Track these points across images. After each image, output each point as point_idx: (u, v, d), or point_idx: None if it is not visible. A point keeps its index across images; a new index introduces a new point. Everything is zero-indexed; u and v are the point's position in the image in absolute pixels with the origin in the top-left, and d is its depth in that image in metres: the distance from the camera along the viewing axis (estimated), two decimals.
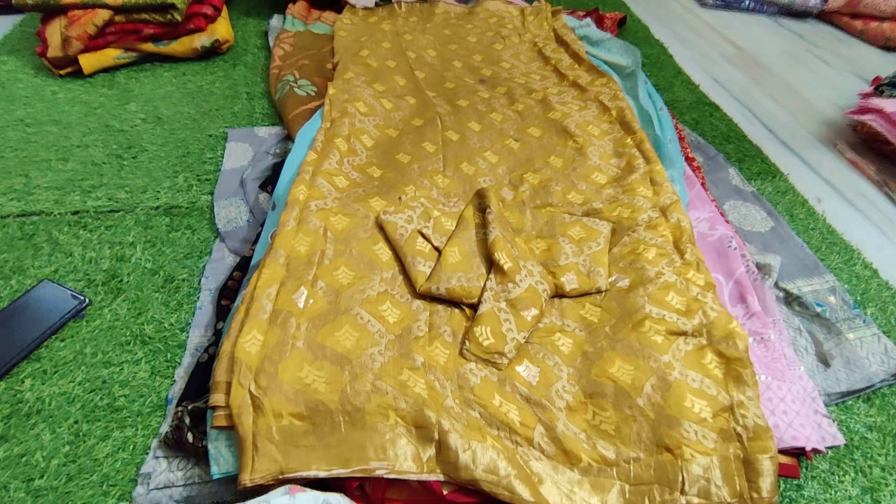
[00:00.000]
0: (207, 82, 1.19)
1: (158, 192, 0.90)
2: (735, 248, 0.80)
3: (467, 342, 0.61)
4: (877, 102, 1.05)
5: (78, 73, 1.15)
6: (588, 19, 1.40)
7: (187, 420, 0.55)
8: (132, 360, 0.66)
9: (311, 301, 0.62)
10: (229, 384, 0.54)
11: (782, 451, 0.57)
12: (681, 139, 1.04)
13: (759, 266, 0.79)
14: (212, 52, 1.27)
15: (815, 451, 0.58)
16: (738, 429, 0.55)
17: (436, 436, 0.52)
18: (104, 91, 1.13)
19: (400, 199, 0.79)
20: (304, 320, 0.60)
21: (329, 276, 0.65)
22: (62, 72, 1.15)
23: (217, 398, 0.53)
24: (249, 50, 1.32)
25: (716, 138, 1.11)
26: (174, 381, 0.64)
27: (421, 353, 0.59)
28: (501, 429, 0.55)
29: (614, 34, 1.41)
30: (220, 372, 0.55)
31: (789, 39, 1.56)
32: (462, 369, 0.59)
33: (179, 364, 0.66)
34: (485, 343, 0.61)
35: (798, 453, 0.59)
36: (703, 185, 0.94)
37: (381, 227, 0.73)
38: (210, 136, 1.04)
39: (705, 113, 1.19)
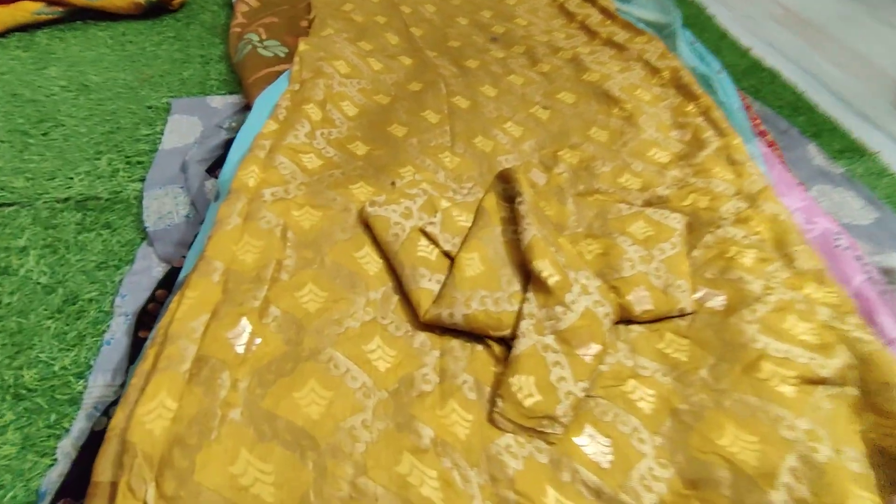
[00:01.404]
0: (152, 44, 0.96)
1: (71, 178, 0.68)
2: (846, 248, 0.59)
3: (500, 401, 0.40)
4: None
5: None
6: None
7: None
8: None
9: (259, 341, 0.40)
10: (115, 487, 0.33)
11: None
12: (746, 108, 0.83)
13: (883, 272, 0.58)
14: (160, 9, 1.04)
15: None
16: None
17: None
18: (17, 53, 0.90)
19: (394, 184, 0.57)
20: (246, 374, 0.38)
21: (288, 300, 0.44)
22: None
23: None
24: (208, 7, 1.09)
25: (783, 109, 0.90)
26: (55, 460, 0.43)
27: (429, 422, 0.38)
28: None
29: None
30: (102, 465, 0.34)
31: (841, 0, 1.35)
32: (494, 447, 0.38)
33: (67, 432, 0.44)
34: (527, 402, 0.40)
35: None
36: (782, 164, 0.73)
37: (366, 225, 0.51)
38: (149, 107, 0.81)
39: (764, 80, 0.98)
